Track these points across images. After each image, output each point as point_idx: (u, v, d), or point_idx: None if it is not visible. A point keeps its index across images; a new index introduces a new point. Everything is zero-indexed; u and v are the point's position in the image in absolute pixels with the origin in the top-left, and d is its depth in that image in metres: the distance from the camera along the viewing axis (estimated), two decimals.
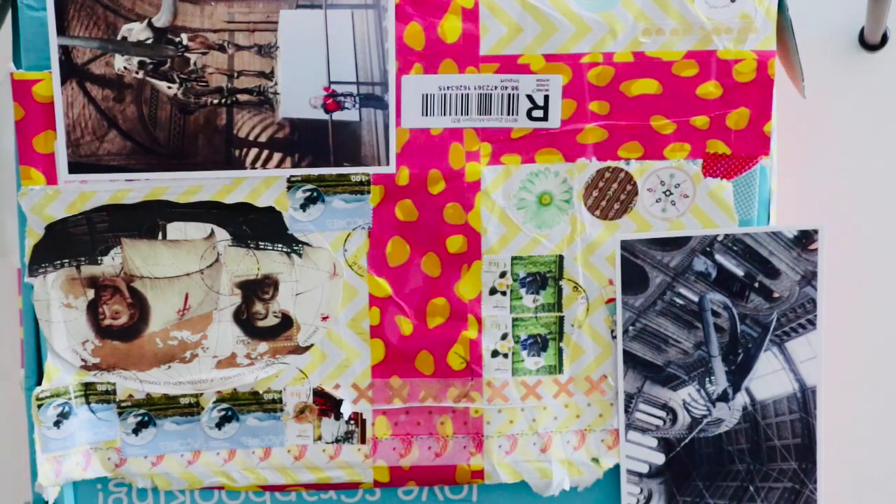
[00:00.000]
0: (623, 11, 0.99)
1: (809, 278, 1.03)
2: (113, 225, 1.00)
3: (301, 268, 1.02)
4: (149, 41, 0.97)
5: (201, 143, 0.99)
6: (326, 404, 1.04)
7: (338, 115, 0.99)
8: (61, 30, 0.96)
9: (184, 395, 1.03)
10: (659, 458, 1.05)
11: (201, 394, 1.03)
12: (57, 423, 1.01)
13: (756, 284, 1.03)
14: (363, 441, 1.04)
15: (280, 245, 1.01)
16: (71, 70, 0.97)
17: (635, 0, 0.99)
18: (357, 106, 0.99)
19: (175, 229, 1.00)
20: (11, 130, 0.99)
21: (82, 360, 1.01)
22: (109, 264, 1.00)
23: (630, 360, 1.04)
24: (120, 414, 1.03)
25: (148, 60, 0.98)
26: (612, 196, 1.02)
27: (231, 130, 0.99)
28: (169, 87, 0.98)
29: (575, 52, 1.00)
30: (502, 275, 1.03)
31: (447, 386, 1.04)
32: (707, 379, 1.04)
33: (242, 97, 0.98)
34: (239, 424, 1.04)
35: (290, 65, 0.98)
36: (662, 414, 1.05)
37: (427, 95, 1.00)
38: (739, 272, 1.03)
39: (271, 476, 1.04)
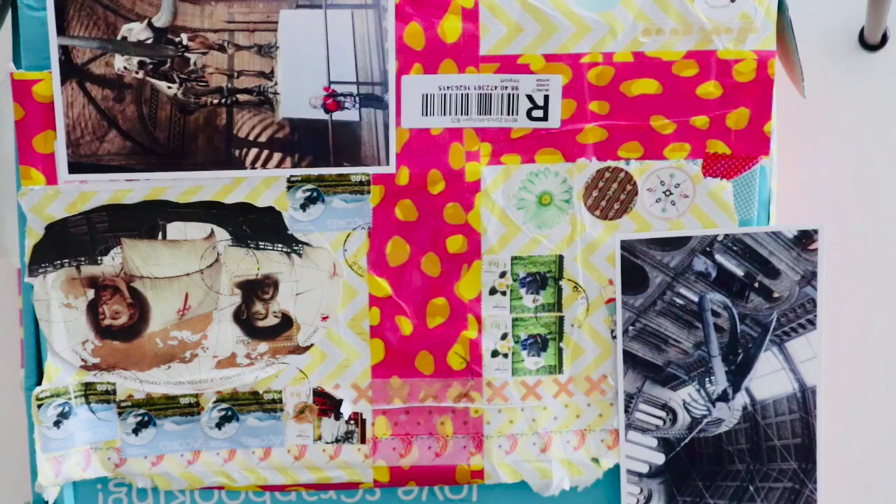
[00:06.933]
0: (623, 11, 0.99)
1: (809, 278, 1.03)
2: (113, 225, 1.00)
3: (301, 268, 1.02)
4: (149, 41, 0.97)
5: (201, 143, 0.99)
6: (326, 404, 1.04)
7: (338, 115, 0.99)
8: (61, 30, 0.96)
9: (184, 395, 1.03)
10: (659, 458, 1.05)
11: (201, 394, 1.03)
12: (57, 423, 1.01)
13: (756, 284, 1.03)
14: (363, 441, 1.04)
15: (280, 245, 1.01)
16: (71, 70, 0.97)
17: (635, 0, 0.99)
18: (357, 106, 0.99)
19: (175, 229, 1.00)
20: (11, 130, 0.99)
21: (82, 360, 1.02)
22: (109, 264, 1.00)
23: (630, 360, 1.04)
24: (120, 414, 1.03)
25: (148, 60, 0.98)
26: (612, 196, 1.02)
27: (231, 130, 0.99)
28: (169, 87, 0.98)
29: (575, 52, 1.00)
30: (502, 275, 1.03)
31: (447, 386, 1.04)
32: (707, 379, 1.04)
33: (242, 97, 0.98)
34: (239, 424, 1.04)
35: (290, 65, 0.98)
36: (662, 414, 1.05)
37: (427, 95, 1.00)
38: (739, 272, 1.03)
39: (271, 476, 1.04)
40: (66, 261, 1.00)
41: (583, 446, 1.05)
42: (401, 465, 1.04)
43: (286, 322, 1.02)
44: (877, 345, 1.18)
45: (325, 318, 1.02)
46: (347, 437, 1.04)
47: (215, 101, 0.98)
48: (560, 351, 1.04)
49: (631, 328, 1.04)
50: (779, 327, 1.03)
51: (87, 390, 1.02)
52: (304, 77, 0.98)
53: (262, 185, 1.00)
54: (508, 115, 1.00)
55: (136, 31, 0.97)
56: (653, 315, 1.03)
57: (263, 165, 1.00)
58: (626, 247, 1.03)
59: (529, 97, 1.00)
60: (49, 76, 0.97)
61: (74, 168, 0.98)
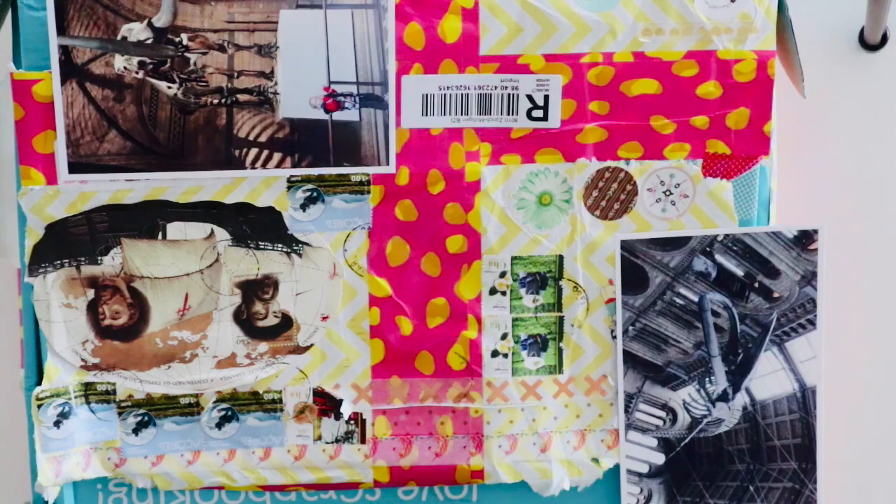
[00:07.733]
0: (623, 11, 0.99)
1: (809, 278, 1.03)
2: (113, 225, 1.00)
3: (301, 268, 1.02)
4: (149, 41, 0.97)
5: (201, 143, 0.99)
6: (326, 404, 1.04)
7: (338, 115, 0.99)
8: (61, 30, 0.96)
9: (184, 395, 1.03)
10: (659, 458, 1.05)
11: (201, 394, 1.03)
12: (57, 423, 1.01)
13: (756, 284, 1.03)
14: (363, 441, 1.04)
15: (280, 245, 1.01)
16: (71, 70, 0.97)
17: (635, 0, 0.99)
18: (357, 106, 0.99)
19: (175, 229, 1.00)
20: (11, 130, 0.99)
21: (82, 360, 1.02)
22: (109, 264, 1.00)
23: (630, 360, 1.04)
24: (120, 414, 1.03)
25: (148, 60, 0.98)
26: (612, 196, 1.02)
27: (231, 130, 0.99)
28: (169, 87, 0.98)
29: (575, 52, 1.00)
30: (502, 275, 1.03)
31: (447, 386, 1.04)
32: (707, 379, 1.04)
33: (242, 97, 0.98)
34: (239, 424, 1.04)
35: (290, 65, 0.98)
36: (662, 414, 1.05)
37: (427, 95, 1.00)
38: (739, 272, 1.03)
39: (271, 476, 1.04)
40: (66, 261, 1.00)
41: (583, 446, 1.05)
42: (401, 465, 1.04)
43: (286, 322, 1.02)
44: (877, 345, 1.18)
45: (325, 318, 1.02)
46: (347, 437, 1.04)
47: (215, 101, 0.98)
48: (560, 351, 1.04)
49: (631, 328, 1.04)
50: (779, 327, 1.03)
51: (87, 390, 1.02)
52: (304, 77, 0.98)
53: (262, 185, 1.00)
54: (508, 115, 1.00)
55: (136, 31, 0.97)
56: (653, 315, 1.03)
57: (263, 165, 1.00)
58: (626, 247, 1.03)
59: (529, 97, 1.00)
60: (49, 76, 0.97)
61: (74, 168, 0.98)
